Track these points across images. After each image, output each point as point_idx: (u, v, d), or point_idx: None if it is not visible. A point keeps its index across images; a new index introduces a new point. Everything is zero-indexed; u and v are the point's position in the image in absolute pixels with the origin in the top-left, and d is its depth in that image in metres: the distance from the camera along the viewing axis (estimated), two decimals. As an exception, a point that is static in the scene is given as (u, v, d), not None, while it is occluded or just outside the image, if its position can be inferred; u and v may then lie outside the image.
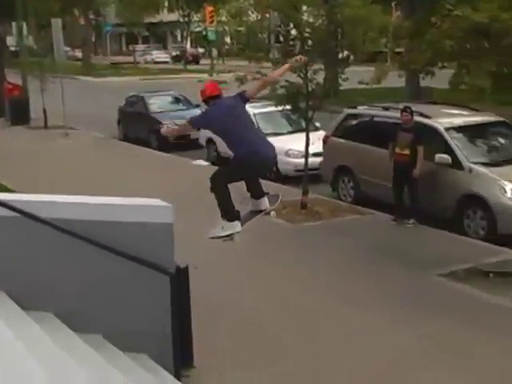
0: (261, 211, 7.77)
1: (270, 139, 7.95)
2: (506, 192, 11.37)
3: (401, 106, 12.78)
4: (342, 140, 14.42)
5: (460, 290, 9.31)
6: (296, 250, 11.19)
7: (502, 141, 12.91)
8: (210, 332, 7.89)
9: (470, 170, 11.86)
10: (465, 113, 13.54)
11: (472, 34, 8.57)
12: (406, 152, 12.08)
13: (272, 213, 7.94)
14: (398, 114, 12.44)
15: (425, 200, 12.12)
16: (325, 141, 14.88)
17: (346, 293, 9.29)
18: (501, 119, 13.09)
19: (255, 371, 7.24)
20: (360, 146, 13.83)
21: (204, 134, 18.12)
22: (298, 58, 7.76)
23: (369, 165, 13.53)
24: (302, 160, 13.60)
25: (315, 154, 14.60)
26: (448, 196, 12.05)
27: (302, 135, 13.53)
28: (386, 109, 13.80)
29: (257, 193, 7.72)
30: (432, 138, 12.47)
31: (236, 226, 7.49)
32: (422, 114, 12.82)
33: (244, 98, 7.47)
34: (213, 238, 7.64)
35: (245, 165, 7.30)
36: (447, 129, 12.52)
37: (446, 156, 12.14)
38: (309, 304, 8.90)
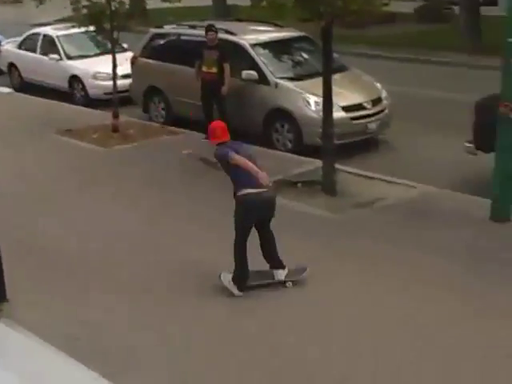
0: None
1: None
2: (309, 104, 11.67)
3: (205, 23, 12.68)
4: (150, 60, 14.09)
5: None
6: (108, 172, 11.06)
7: (305, 56, 13.12)
8: (22, 264, 7.66)
9: (276, 85, 12.05)
10: (269, 29, 13.65)
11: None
12: (213, 70, 12.04)
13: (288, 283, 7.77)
14: (204, 33, 12.32)
15: (234, 116, 12.16)
16: (133, 62, 14.47)
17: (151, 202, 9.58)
18: (304, 34, 13.27)
19: (69, 300, 7.15)
20: (168, 66, 13.60)
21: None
22: None
23: (178, 84, 13.34)
24: (111, 82, 13.22)
25: (124, 76, 14.27)
26: (256, 111, 12.20)
27: (109, 57, 13.10)
28: (193, 27, 13.64)
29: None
30: (238, 55, 12.51)
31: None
32: (227, 32, 12.79)
33: None
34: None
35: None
36: (253, 45, 12.58)
37: (252, 72, 12.23)
38: (113, 216, 9.16)
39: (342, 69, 12.74)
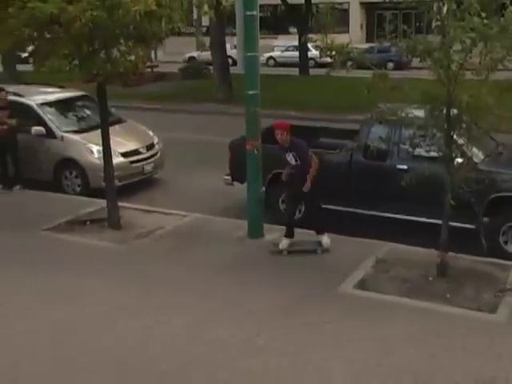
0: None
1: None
2: (93, 153, 11.40)
3: (-5, 87, 12.00)
4: None
5: (63, 238, 9.16)
6: None
7: (87, 111, 12.84)
8: None
9: (62, 138, 11.69)
10: (54, 90, 13.26)
11: (47, 23, 8.26)
12: (4, 127, 11.43)
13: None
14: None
15: (28, 167, 11.61)
16: None
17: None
18: (84, 93, 13.04)
19: None
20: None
21: None
22: None
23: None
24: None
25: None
26: (47, 162, 11.70)
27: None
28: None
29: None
30: (28, 113, 11.96)
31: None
32: (15, 94, 12.24)
33: None
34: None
35: None
36: (39, 105, 12.13)
37: (40, 128, 11.75)
38: None
39: (119, 121, 12.71)
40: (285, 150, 8.30)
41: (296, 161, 8.24)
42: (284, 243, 8.45)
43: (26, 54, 10.34)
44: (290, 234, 8.49)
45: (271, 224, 9.29)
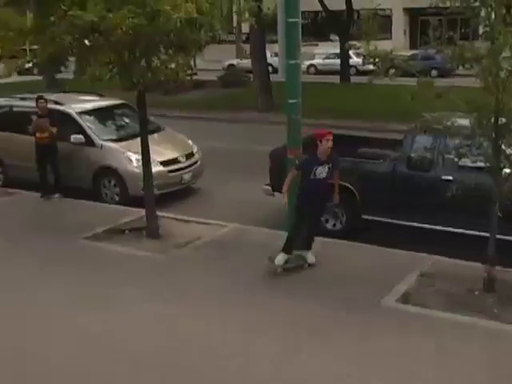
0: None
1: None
2: (131, 161, 11.54)
3: (35, 95, 12.27)
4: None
5: (102, 247, 9.30)
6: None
7: (126, 120, 13.02)
8: None
9: (101, 147, 11.85)
10: (93, 98, 13.47)
11: (87, 31, 8.41)
12: (45, 135, 11.67)
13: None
14: (34, 103, 11.93)
15: (67, 175, 11.81)
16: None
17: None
18: (124, 102, 13.23)
19: None
20: (4, 135, 12.96)
21: None
22: None
23: (14, 150, 12.72)
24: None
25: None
26: (86, 170, 11.88)
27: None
28: (23, 99, 13.17)
29: None
30: (67, 122, 12.16)
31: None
32: (56, 102, 12.47)
33: None
34: None
35: None
36: (79, 113, 12.33)
37: (79, 136, 11.95)
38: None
39: (158, 129, 12.82)
40: (320, 162, 7.95)
41: (327, 174, 8.04)
42: (280, 259, 8.20)
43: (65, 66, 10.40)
44: (288, 250, 8.23)
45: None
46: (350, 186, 9.53)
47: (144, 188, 9.83)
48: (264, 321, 6.99)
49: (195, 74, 29.61)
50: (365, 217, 9.61)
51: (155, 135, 12.16)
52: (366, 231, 9.63)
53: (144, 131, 9.59)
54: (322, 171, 7.95)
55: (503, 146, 7.15)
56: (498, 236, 7.50)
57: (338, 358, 6.26)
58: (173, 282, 8.06)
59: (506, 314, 6.98)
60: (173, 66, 8.71)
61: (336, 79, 29.52)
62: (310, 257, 8.30)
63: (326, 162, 7.96)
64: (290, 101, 8.66)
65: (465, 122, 7.22)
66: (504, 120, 6.95)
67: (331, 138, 7.90)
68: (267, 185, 10.58)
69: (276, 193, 10.39)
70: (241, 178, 12.93)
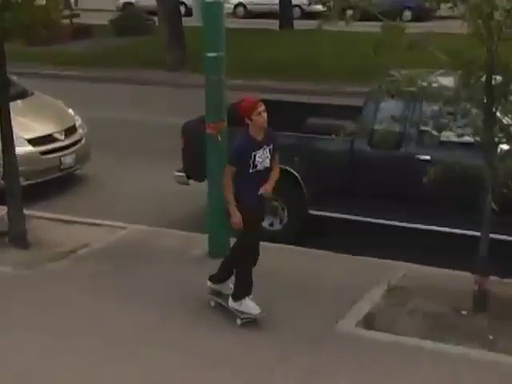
0: None
1: None
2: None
3: None
4: None
5: None
6: None
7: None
8: None
9: None
10: None
11: None
12: None
13: None
14: None
15: None
16: None
17: None
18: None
19: None
20: None
21: None
22: None
23: None
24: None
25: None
26: None
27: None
28: None
29: None
30: None
31: None
32: None
33: None
34: None
35: None
36: None
37: None
38: None
39: (24, 95, 12.67)
40: (257, 144, 7.32)
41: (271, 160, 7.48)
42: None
43: None
44: (218, 279, 7.90)
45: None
46: (293, 171, 9.56)
47: (4, 176, 9.66)
48: (177, 363, 6.92)
49: (77, 15, 29.33)
50: (313, 212, 9.65)
51: (19, 102, 11.98)
52: (319, 233, 9.70)
53: (3, 96, 9.36)
54: (263, 158, 7.35)
55: (498, 114, 7.27)
56: (493, 235, 7.63)
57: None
58: (43, 310, 7.88)
59: (504, 340, 7.11)
60: (42, 2, 8.53)
61: (274, 24, 29.68)
62: (230, 285, 8.04)
63: (264, 143, 7.38)
64: (209, 54, 8.60)
65: (447, 81, 7.30)
66: (499, 78, 7.06)
67: (263, 107, 7.34)
68: (180, 171, 10.53)
69: (191, 181, 10.37)
70: (142, 162, 12.87)
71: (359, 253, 8.98)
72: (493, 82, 7.07)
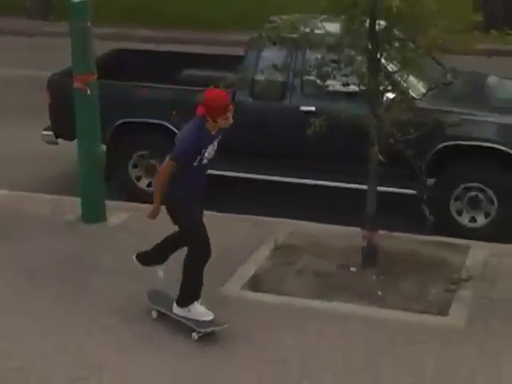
0: None
1: None
2: None
3: None
4: None
5: None
6: None
7: None
8: None
9: None
10: None
11: None
12: None
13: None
14: None
15: None
16: None
17: None
18: None
19: None
20: None
21: None
22: None
23: None
24: None
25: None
26: None
27: None
28: None
29: None
30: None
31: None
32: None
33: None
34: None
35: None
36: None
37: None
38: None
39: None
40: (210, 138, 6.88)
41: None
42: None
43: None
44: (188, 300, 7.15)
45: (118, 200, 9.40)
46: (168, 125, 9.57)
47: None
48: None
49: None
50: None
51: None
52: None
53: None
54: (211, 151, 7.01)
55: (383, 61, 7.40)
56: (380, 188, 7.80)
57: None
58: None
59: (392, 296, 7.32)
60: None
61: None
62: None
63: (216, 137, 7.00)
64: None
65: (332, 27, 7.38)
66: (383, 23, 7.18)
67: (231, 108, 6.83)
68: (47, 129, 10.39)
69: (60, 140, 10.27)
70: (5, 121, 12.58)
71: (246, 212, 9.06)
72: (377, 27, 7.19)
